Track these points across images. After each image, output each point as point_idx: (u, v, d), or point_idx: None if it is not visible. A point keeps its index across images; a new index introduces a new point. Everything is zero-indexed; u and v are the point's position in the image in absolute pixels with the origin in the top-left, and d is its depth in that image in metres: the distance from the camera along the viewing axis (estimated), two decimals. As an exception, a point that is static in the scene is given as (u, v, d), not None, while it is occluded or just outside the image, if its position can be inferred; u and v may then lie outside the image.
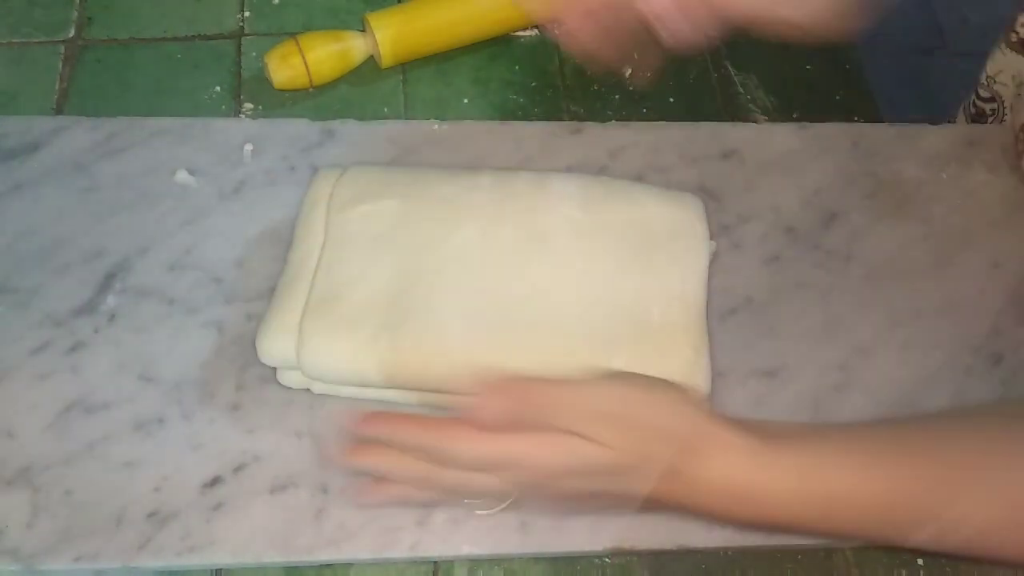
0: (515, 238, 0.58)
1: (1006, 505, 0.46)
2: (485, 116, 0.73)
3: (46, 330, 0.58)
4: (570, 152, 0.68)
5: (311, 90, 0.73)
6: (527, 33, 0.78)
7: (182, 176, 0.65)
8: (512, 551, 0.55)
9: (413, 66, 0.75)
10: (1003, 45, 0.73)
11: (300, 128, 0.68)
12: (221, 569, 0.54)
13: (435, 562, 0.55)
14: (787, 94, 0.76)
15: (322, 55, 0.72)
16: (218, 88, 0.72)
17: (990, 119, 0.77)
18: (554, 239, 0.58)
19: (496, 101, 0.74)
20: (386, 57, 0.73)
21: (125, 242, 0.62)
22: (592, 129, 0.70)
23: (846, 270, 0.65)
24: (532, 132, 0.70)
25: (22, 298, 0.59)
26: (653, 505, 0.48)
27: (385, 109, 0.73)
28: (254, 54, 0.74)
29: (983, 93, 0.76)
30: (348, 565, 0.55)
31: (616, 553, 0.55)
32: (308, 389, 0.57)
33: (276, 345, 0.55)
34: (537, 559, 0.56)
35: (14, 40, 0.73)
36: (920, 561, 0.57)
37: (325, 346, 0.54)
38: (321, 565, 0.54)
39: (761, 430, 0.47)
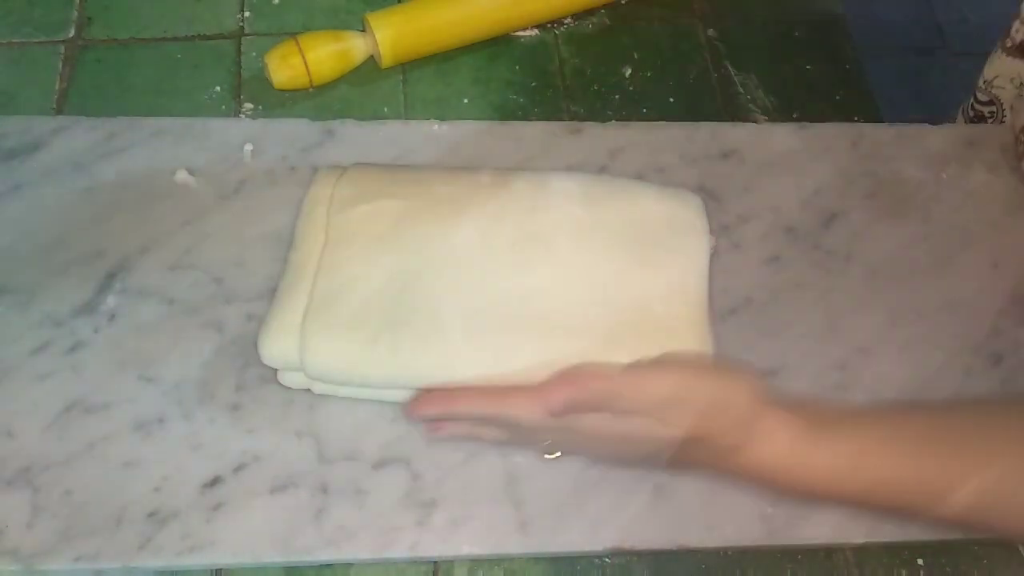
0: (516, 236, 0.58)
1: None
2: (485, 116, 0.73)
3: (46, 330, 0.58)
4: (570, 152, 0.68)
5: (311, 90, 0.73)
6: (527, 33, 0.79)
7: (182, 176, 0.65)
8: (512, 551, 0.55)
9: (413, 66, 0.75)
10: (999, 51, 0.73)
11: (300, 128, 0.68)
12: (221, 569, 0.54)
13: (435, 562, 0.55)
14: (787, 94, 0.76)
15: (322, 55, 0.72)
16: (218, 88, 0.72)
17: (989, 122, 0.77)
18: (555, 237, 0.58)
19: (496, 101, 0.74)
20: (386, 57, 0.73)
21: (125, 242, 0.62)
22: (592, 129, 0.70)
23: (846, 270, 0.65)
24: (532, 132, 0.70)
25: (22, 298, 0.59)
26: (701, 471, 0.52)
27: (385, 109, 0.73)
28: (254, 54, 0.74)
29: (981, 97, 0.76)
30: (348, 565, 0.55)
31: (616, 553, 0.56)
32: (309, 390, 0.57)
33: (278, 346, 0.55)
34: (537, 559, 0.56)
35: (14, 40, 0.73)
36: (920, 561, 0.58)
37: (326, 346, 0.54)
38: (321, 565, 0.54)
39: (810, 411, 0.50)
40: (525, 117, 0.73)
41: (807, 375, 0.61)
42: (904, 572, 0.57)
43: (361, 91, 0.74)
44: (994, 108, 0.75)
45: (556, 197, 0.60)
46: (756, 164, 0.69)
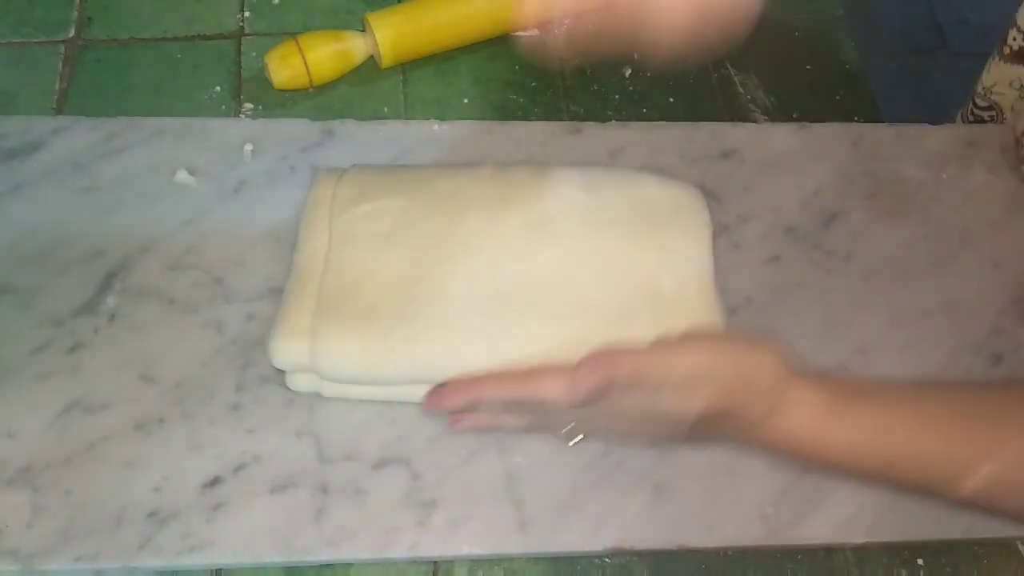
0: (521, 224, 0.58)
1: None
2: (485, 116, 0.73)
3: (46, 330, 0.58)
4: (570, 152, 0.68)
5: (311, 90, 0.73)
6: (527, 33, 0.78)
7: (182, 176, 0.65)
8: (512, 551, 0.55)
9: (413, 66, 0.75)
10: (997, 58, 0.73)
11: (300, 128, 0.68)
12: (221, 569, 0.54)
13: (435, 562, 0.55)
14: (787, 94, 0.76)
15: (322, 55, 0.72)
16: (218, 88, 0.72)
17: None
18: (560, 222, 0.58)
19: (496, 101, 0.74)
20: (386, 57, 0.73)
21: (125, 242, 0.62)
22: (592, 129, 0.70)
23: (846, 270, 0.65)
24: (532, 132, 0.70)
25: (22, 298, 0.59)
26: (725, 443, 0.53)
27: (385, 109, 0.73)
28: (254, 54, 0.74)
29: (980, 103, 0.76)
30: (348, 565, 0.55)
31: (616, 553, 0.56)
32: (318, 393, 0.57)
33: (289, 348, 0.54)
34: (537, 559, 0.56)
35: (14, 40, 0.73)
36: (920, 561, 0.58)
37: (339, 345, 0.54)
38: (321, 565, 0.54)
39: (835, 383, 0.50)
40: (525, 117, 0.73)
41: (807, 375, 0.61)
42: (904, 572, 0.57)
43: (361, 91, 0.74)
44: (993, 113, 0.75)
45: (557, 185, 0.60)
46: (756, 164, 0.69)
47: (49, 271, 0.60)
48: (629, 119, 0.73)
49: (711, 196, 0.66)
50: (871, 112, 0.76)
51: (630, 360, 0.48)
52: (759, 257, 0.65)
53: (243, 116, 0.71)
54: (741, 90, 0.76)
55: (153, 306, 0.60)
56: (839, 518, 0.56)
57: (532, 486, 0.56)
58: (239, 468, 0.55)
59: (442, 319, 0.54)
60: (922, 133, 0.73)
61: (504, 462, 0.56)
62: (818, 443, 0.49)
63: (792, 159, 0.70)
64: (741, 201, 0.67)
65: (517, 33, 0.78)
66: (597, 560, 0.56)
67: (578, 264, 0.57)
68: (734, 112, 0.75)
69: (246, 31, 0.76)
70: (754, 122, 0.74)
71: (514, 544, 0.54)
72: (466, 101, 0.74)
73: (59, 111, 0.70)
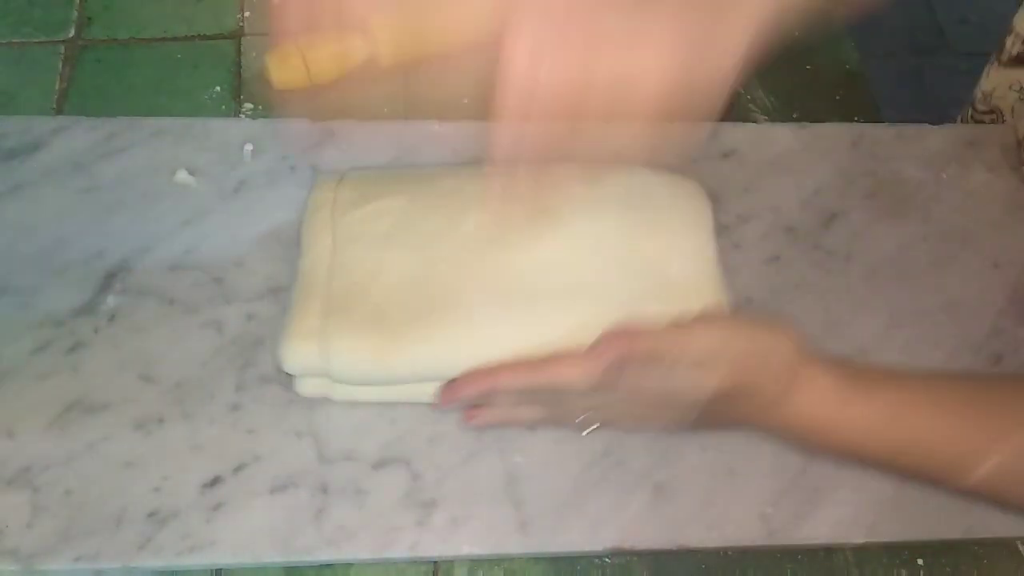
0: (524, 217, 0.58)
1: None
2: (485, 116, 0.73)
3: (46, 330, 0.58)
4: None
5: (311, 90, 0.73)
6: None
7: (182, 176, 0.65)
8: (512, 551, 0.55)
9: (413, 66, 0.75)
10: (995, 64, 0.73)
11: (300, 128, 0.68)
12: (221, 569, 0.54)
13: (435, 562, 0.55)
14: (787, 94, 0.77)
15: (322, 55, 0.71)
16: (218, 88, 0.72)
17: None
18: (563, 212, 0.58)
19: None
20: (386, 57, 0.73)
21: (125, 242, 0.62)
22: (592, 130, 0.70)
23: (846, 270, 0.65)
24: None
25: (22, 298, 0.59)
26: (739, 425, 0.53)
27: (385, 109, 0.73)
28: (254, 54, 0.74)
29: (980, 107, 0.76)
30: (348, 565, 0.55)
31: (616, 553, 0.55)
32: (327, 398, 0.57)
33: (301, 351, 0.54)
34: (537, 559, 0.56)
35: (14, 40, 0.73)
36: (920, 561, 0.58)
37: (350, 345, 0.53)
38: (321, 565, 0.54)
39: (848, 369, 0.51)
40: (525, 117, 0.73)
41: (807, 375, 0.61)
42: (904, 572, 0.57)
43: (361, 91, 0.74)
44: (994, 117, 0.75)
45: (557, 177, 0.60)
46: (756, 164, 0.69)
47: (49, 271, 0.60)
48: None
49: (711, 196, 0.66)
50: (871, 112, 0.76)
51: (646, 336, 0.49)
52: (759, 257, 0.65)
53: (243, 116, 0.71)
54: (741, 90, 0.76)
55: (153, 306, 0.60)
56: (839, 518, 0.56)
57: (532, 486, 0.56)
58: (239, 468, 0.55)
59: (452, 314, 0.54)
60: (922, 133, 0.73)
61: (504, 462, 0.56)
62: (831, 425, 0.49)
63: (792, 159, 0.70)
64: (741, 201, 0.67)
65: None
66: (597, 560, 0.56)
67: (584, 254, 0.57)
68: (734, 112, 0.75)
69: (246, 31, 0.76)
70: (754, 122, 0.74)
71: (514, 544, 0.54)
72: (466, 101, 0.74)
73: (59, 111, 0.70)
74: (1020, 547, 0.59)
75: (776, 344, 0.50)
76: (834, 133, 0.72)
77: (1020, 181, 0.71)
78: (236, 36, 0.75)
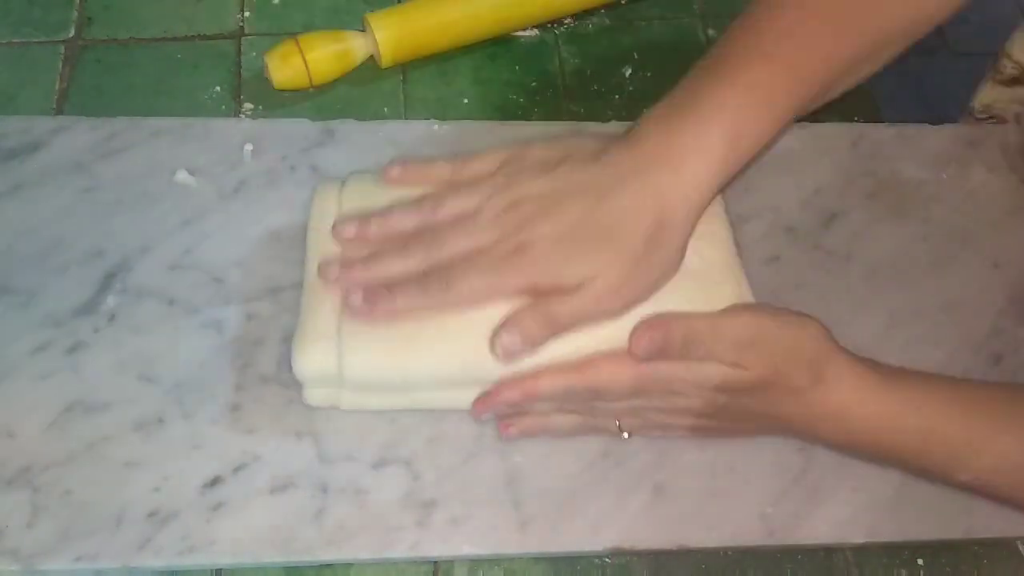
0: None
1: None
2: (485, 116, 0.73)
3: (46, 330, 0.58)
4: (570, 152, 0.68)
5: (311, 90, 0.73)
6: (527, 33, 0.78)
7: (182, 176, 0.65)
8: (512, 551, 0.55)
9: (413, 66, 0.75)
10: (992, 83, 0.73)
11: (300, 128, 0.68)
12: (221, 569, 0.54)
13: (435, 562, 0.55)
14: (787, 94, 0.76)
15: (322, 55, 0.72)
16: (218, 88, 0.72)
17: None
18: None
19: (496, 101, 0.74)
20: (386, 57, 0.73)
21: (125, 242, 0.62)
22: (592, 129, 0.70)
23: (846, 270, 0.65)
24: (532, 132, 0.69)
25: (22, 298, 0.59)
26: (764, 424, 0.53)
27: (385, 109, 0.73)
28: (254, 54, 0.74)
29: (980, 116, 0.76)
30: (348, 565, 0.55)
31: (616, 553, 0.56)
32: (335, 407, 0.56)
33: (316, 355, 0.53)
34: (537, 559, 0.56)
35: (14, 40, 0.73)
36: (920, 561, 0.58)
37: (367, 348, 0.52)
38: (321, 565, 0.54)
39: (872, 362, 0.51)
40: (525, 117, 0.73)
41: (807, 375, 0.61)
42: (904, 572, 0.57)
43: (361, 91, 0.74)
44: (994, 121, 0.75)
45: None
46: (756, 164, 0.69)
47: (49, 271, 0.60)
48: (629, 119, 0.73)
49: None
50: (871, 112, 0.75)
51: (683, 322, 0.50)
52: (759, 257, 0.65)
53: (243, 116, 0.71)
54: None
55: (153, 306, 0.60)
56: (839, 518, 0.56)
57: (532, 486, 0.56)
58: (239, 468, 0.55)
59: (468, 313, 0.53)
60: (922, 133, 0.73)
61: (504, 462, 0.56)
62: (858, 413, 0.50)
63: (792, 159, 0.70)
64: (741, 201, 0.67)
65: (517, 33, 0.78)
66: (597, 560, 0.56)
67: None
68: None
69: (246, 31, 0.76)
70: (754, 122, 0.74)
71: (514, 544, 0.54)
72: (466, 101, 0.74)
73: (59, 111, 0.70)
74: (1020, 547, 0.59)
75: (806, 332, 0.50)
76: (834, 133, 0.72)
77: (1020, 181, 0.71)
78: (236, 36, 0.75)
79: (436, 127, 0.69)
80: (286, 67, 0.71)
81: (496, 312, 0.52)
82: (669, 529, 0.55)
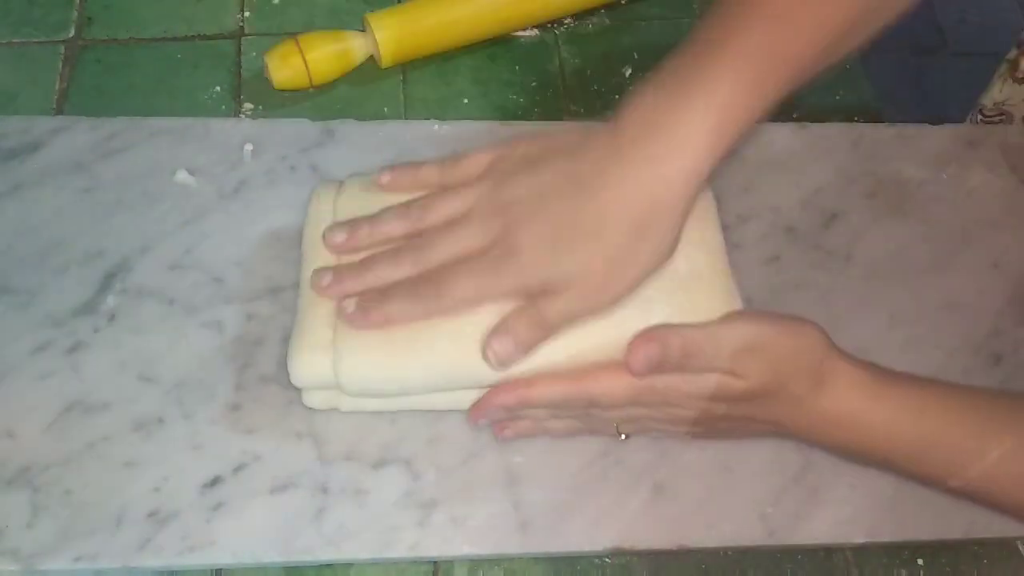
0: None
1: None
2: (485, 116, 0.73)
3: (46, 330, 0.58)
4: (570, 152, 0.68)
5: (311, 90, 0.73)
6: (527, 33, 0.78)
7: (182, 176, 0.65)
8: (512, 551, 0.55)
9: (413, 66, 0.75)
10: (1008, 79, 0.73)
11: (300, 128, 0.68)
12: (221, 569, 0.54)
13: (435, 562, 0.55)
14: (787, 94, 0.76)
15: (322, 55, 0.72)
16: (218, 88, 0.72)
17: None
18: None
19: (496, 101, 0.74)
20: (386, 57, 0.73)
21: (125, 242, 0.62)
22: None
23: (846, 270, 0.65)
24: (532, 132, 0.69)
25: (22, 298, 0.59)
26: (764, 430, 0.53)
27: (385, 109, 0.73)
28: (254, 54, 0.74)
29: (989, 112, 0.76)
30: (348, 565, 0.55)
31: (616, 553, 0.55)
32: (335, 409, 0.56)
33: (312, 363, 0.53)
34: (537, 559, 0.56)
35: (14, 40, 0.73)
36: (920, 561, 0.58)
37: (363, 355, 0.52)
38: (321, 565, 0.54)
39: (873, 366, 0.51)
40: (525, 117, 0.73)
41: (807, 375, 0.61)
42: (904, 572, 0.57)
43: (361, 91, 0.74)
44: (1003, 118, 0.75)
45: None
46: (756, 164, 0.69)
47: (49, 271, 0.60)
48: (629, 119, 0.73)
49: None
50: (871, 112, 0.75)
51: (680, 335, 0.49)
52: (759, 257, 0.65)
53: (243, 116, 0.71)
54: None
55: (153, 306, 0.60)
56: (839, 518, 0.56)
57: (532, 486, 0.56)
58: (239, 468, 0.55)
59: (462, 318, 0.53)
60: (922, 133, 0.73)
61: (504, 462, 0.56)
62: (861, 418, 0.50)
63: (792, 159, 0.70)
64: (741, 201, 0.67)
65: (517, 33, 0.78)
66: (597, 560, 0.56)
67: None
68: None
69: (246, 31, 0.76)
70: (754, 122, 0.74)
71: (514, 544, 0.54)
72: (466, 101, 0.74)
73: (59, 111, 0.70)
74: (1020, 547, 0.59)
75: (803, 341, 0.50)
76: (834, 133, 0.72)
77: (1020, 181, 0.71)
78: (236, 36, 0.75)
79: (436, 127, 0.69)
80: (286, 67, 0.71)
81: (490, 316, 0.52)
82: (669, 529, 0.55)
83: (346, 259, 0.55)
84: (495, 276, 0.51)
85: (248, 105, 0.72)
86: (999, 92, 0.74)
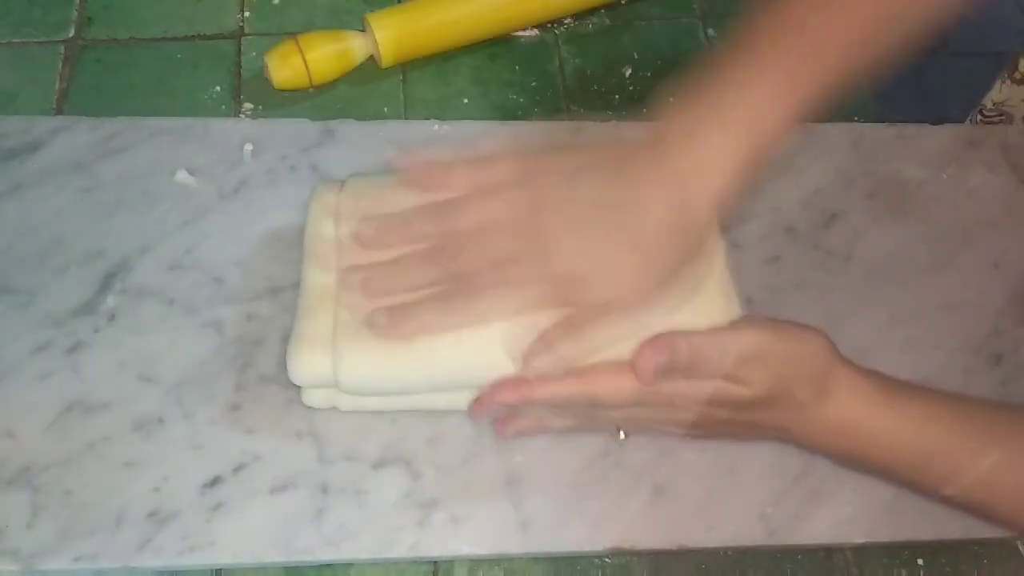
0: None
1: None
2: (485, 116, 0.73)
3: (46, 330, 0.58)
4: (570, 152, 0.68)
5: (311, 90, 0.73)
6: (527, 33, 0.79)
7: (182, 176, 0.65)
8: (512, 551, 0.55)
9: (413, 66, 0.75)
10: (1007, 80, 0.73)
11: (300, 128, 0.68)
12: (221, 569, 0.54)
13: (435, 562, 0.55)
14: (787, 94, 0.76)
15: (322, 55, 0.72)
16: (218, 88, 0.72)
17: None
18: None
19: (496, 101, 0.74)
20: (386, 57, 0.73)
21: (125, 242, 0.62)
22: (592, 129, 0.70)
23: (846, 270, 0.65)
24: (532, 132, 0.70)
25: (22, 298, 0.59)
26: (769, 431, 0.52)
27: (385, 109, 0.73)
28: (254, 54, 0.74)
29: (989, 112, 0.76)
30: (348, 565, 0.55)
31: (616, 553, 0.56)
32: (335, 408, 0.56)
33: (312, 362, 0.52)
34: (537, 559, 0.56)
35: (14, 40, 0.73)
36: (920, 561, 0.58)
37: (363, 355, 0.52)
38: (321, 565, 0.54)
39: (878, 375, 0.51)
40: (525, 117, 0.73)
41: (807, 375, 0.61)
42: (904, 572, 0.57)
43: (361, 91, 0.74)
44: (1003, 119, 0.75)
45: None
46: (756, 164, 0.69)
47: (49, 271, 0.60)
48: (629, 119, 0.73)
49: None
50: (871, 112, 0.75)
51: (687, 342, 0.49)
52: (759, 257, 0.65)
53: (243, 116, 0.71)
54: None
55: (153, 306, 0.60)
56: (839, 518, 0.56)
57: (532, 486, 0.56)
58: (239, 468, 0.55)
59: None
60: (922, 133, 0.73)
61: (504, 462, 0.56)
62: (865, 426, 0.50)
63: (792, 159, 0.70)
64: (741, 201, 0.67)
65: (517, 33, 0.78)
66: (597, 560, 0.56)
67: None
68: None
69: (246, 31, 0.76)
70: (754, 122, 0.74)
71: (514, 544, 0.54)
72: (466, 101, 0.74)
73: (59, 111, 0.70)
74: (1020, 547, 0.59)
75: (808, 349, 0.50)
76: (834, 133, 0.72)
77: (1020, 181, 0.71)
78: (236, 36, 0.75)
79: (436, 127, 0.69)
80: (286, 67, 0.71)
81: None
82: (669, 529, 0.55)
83: (348, 260, 0.56)
84: (529, 289, 0.51)
85: (248, 105, 0.72)
86: (999, 92, 0.74)
